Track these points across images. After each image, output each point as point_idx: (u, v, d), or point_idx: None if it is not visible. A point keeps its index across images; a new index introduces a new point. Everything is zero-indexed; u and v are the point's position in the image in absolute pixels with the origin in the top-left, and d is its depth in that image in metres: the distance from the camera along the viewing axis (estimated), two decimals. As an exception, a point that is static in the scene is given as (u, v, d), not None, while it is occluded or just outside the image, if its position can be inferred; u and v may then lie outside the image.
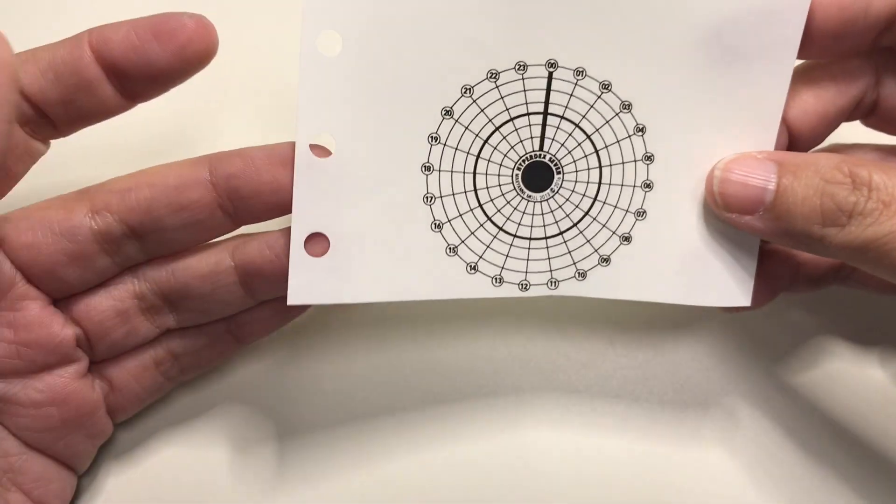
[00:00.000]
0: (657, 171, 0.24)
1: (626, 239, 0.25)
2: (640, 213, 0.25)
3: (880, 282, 0.25)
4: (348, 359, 0.29)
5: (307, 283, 0.24)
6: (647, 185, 0.25)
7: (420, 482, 0.28)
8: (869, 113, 0.26)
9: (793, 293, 0.28)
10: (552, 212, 0.25)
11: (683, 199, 0.25)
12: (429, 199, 0.24)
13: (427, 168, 0.24)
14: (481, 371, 0.29)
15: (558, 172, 0.24)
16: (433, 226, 0.24)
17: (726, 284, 0.25)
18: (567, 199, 0.25)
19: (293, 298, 0.24)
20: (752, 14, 0.23)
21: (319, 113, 0.23)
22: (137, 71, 0.22)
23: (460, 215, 0.24)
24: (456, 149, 0.24)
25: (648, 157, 0.24)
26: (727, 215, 0.24)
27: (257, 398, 0.29)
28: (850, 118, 0.26)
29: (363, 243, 0.24)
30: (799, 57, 0.24)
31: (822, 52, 0.24)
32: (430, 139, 0.23)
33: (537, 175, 0.24)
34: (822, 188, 0.22)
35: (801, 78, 0.25)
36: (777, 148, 0.25)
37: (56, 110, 0.22)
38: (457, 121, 0.23)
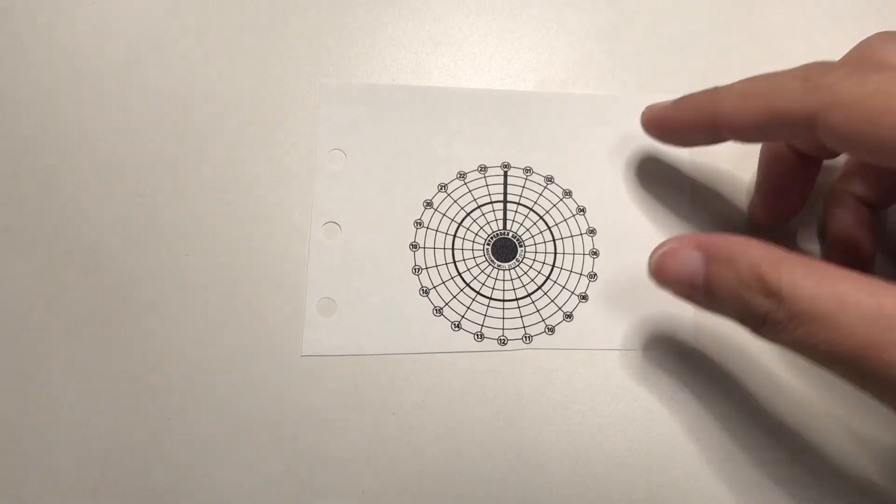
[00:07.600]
0: (600, 241, 0.30)
1: (584, 297, 0.30)
2: (592, 276, 0.30)
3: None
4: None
5: (318, 339, 0.28)
6: (594, 253, 0.30)
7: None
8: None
9: None
10: (519, 277, 0.30)
11: (625, 262, 0.30)
12: (417, 270, 0.30)
13: (414, 246, 0.30)
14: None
15: (521, 246, 0.30)
16: (421, 291, 0.29)
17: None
18: (531, 267, 0.30)
19: (307, 350, 0.28)
20: None
21: (328, 207, 0.30)
22: None
23: (443, 282, 0.30)
24: (437, 230, 0.30)
25: (591, 231, 0.30)
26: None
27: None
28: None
29: (365, 306, 0.29)
30: None
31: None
32: (415, 224, 0.30)
33: (504, 248, 0.30)
34: (738, 292, 0.22)
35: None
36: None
37: None
38: (435, 209, 0.30)
